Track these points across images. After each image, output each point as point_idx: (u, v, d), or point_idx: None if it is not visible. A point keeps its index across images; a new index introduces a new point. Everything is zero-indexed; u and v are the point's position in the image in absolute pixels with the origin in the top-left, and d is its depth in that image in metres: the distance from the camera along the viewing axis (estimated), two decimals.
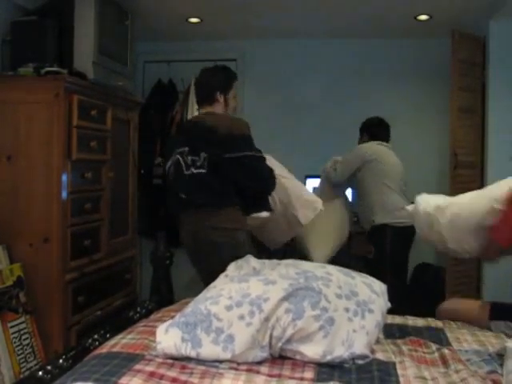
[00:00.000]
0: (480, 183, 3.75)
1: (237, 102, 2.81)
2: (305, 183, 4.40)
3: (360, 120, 3.71)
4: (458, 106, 3.60)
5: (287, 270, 1.69)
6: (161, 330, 1.54)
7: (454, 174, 3.59)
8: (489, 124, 3.72)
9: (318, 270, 1.70)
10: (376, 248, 3.43)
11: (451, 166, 3.59)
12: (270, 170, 2.64)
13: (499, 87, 3.68)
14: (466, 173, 3.68)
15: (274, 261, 1.89)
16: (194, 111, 4.38)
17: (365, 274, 1.80)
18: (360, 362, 1.53)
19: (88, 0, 3.04)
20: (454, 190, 3.55)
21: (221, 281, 1.79)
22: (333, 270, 1.74)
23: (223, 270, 1.93)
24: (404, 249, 3.38)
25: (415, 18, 3.86)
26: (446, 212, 2.19)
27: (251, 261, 1.91)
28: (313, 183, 4.41)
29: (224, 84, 2.71)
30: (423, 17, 3.85)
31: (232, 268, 1.90)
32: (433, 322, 1.99)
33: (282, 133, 4.54)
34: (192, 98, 4.41)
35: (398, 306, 2.06)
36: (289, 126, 4.54)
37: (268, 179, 2.62)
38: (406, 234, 3.17)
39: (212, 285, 1.76)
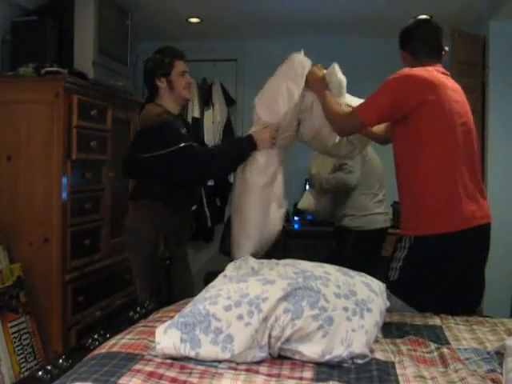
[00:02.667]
0: None
1: (188, 78, 2.56)
2: (305, 187, 4.41)
3: None
4: None
5: (286, 270, 1.69)
6: (160, 330, 1.55)
7: None
8: (489, 124, 3.72)
9: (316, 270, 1.70)
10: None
11: None
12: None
13: (499, 87, 3.68)
14: None
15: (273, 260, 1.89)
16: (194, 111, 4.39)
17: (363, 273, 1.80)
18: (359, 361, 1.53)
19: (88, 0, 3.05)
20: None
21: (219, 281, 1.80)
22: (331, 269, 1.75)
23: None
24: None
25: (415, 18, 3.86)
26: None
27: (250, 261, 1.91)
28: None
29: (161, 66, 2.51)
30: (423, 17, 3.84)
31: (231, 268, 1.90)
32: (430, 319, 1.99)
33: None
34: (192, 99, 4.42)
35: None
36: None
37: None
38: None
39: (210, 285, 1.76)
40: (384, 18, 3.91)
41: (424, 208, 2.10)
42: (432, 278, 2.12)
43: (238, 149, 2.39)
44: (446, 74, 2.21)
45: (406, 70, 2.18)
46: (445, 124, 2.08)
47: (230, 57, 4.60)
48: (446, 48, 2.30)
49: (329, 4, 3.68)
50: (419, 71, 2.14)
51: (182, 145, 2.33)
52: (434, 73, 2.15)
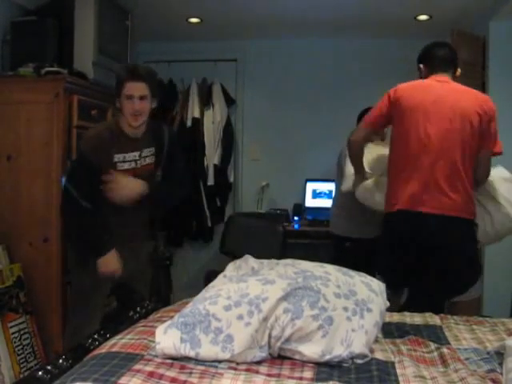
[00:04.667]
0: None
1: (135, 106, 2.33)
2: (305, 187, 4.40)
3: None
4: None
5: (286, 270, 1.69)
6: (160, 330, 1.55)
7: None
8: None
9: (316, 270, 1.70)
10: None
11: None
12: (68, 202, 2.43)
13: (499, 87, 3.67)
14: None
15: (273, 260, 1.89)
16: (194, 111, 4.38)
17: (363, 273, 1.81)
18: (359, 361, 1.53)
19: (88, 0, 3.05)
20: None
21: (219, 281, 1.80)
22: (331, 269, 1.75)
23: None
24: None
25: (415, 18, 3.87)
26: None
27: (250, 261, 1.91)
28: (313, 187, 4.40)
29: (116, 86, 2.38)
30: (423, 17, 3.85)
31: (230, 268, 1.90)
32: (430, 319, 1.99)
33: (282, 134, 4.54)
34: (192, 98, 4.42)
35: None
36: (289, 127, 4.54)
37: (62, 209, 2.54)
38: None
39: (211, 285, 1.76)
40: (384, 18, 3.91)
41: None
42: (387, 255, 2.55)
43: (88, 242, 2.44)
44: (444, 82, 2.55)
45: (398, 86, 2.58)
46: (400, 123, 2.50)
47: (230, 57, 4.60)
48: (460, 70, 2.68)
49: (329, 4, 3.67)
50: (404, 85, 2.57)
51: (67, 181, 2.42)
52: (422, 82, 2.61)
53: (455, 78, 2.62)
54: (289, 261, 1.85)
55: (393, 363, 1.52)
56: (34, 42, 3.00)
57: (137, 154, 2.44)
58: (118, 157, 2.38)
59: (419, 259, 2.44)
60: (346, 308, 1.58)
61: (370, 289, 1.69)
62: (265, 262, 1.90)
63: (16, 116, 2.89)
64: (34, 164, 2.86)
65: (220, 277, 1.85)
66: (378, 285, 1.76)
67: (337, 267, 1.79)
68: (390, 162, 2.57)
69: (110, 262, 2.43)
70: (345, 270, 1.78)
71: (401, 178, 2.45)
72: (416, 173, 2.40)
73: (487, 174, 2.58)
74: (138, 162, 2.46)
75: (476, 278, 2.57)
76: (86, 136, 2.44)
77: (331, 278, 1.66)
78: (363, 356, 1.55)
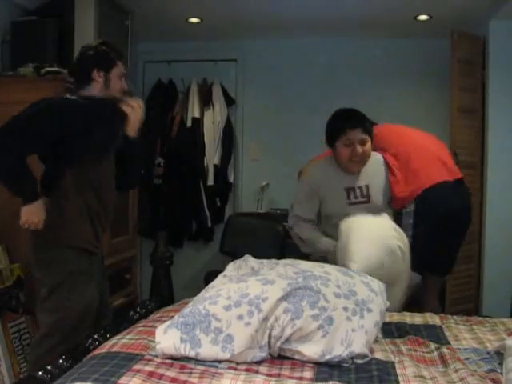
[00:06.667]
0: (480, 183, 3.76)
1: (124, 84, 2.35)
2: None
3: None
4: (458, 106, 3.60)
5: (286, 270, 1.69)
6: (160, 330, 1.55)
7: None
8: (489, 124, 3.71)
9: (316, 270, 1.70)
10: None
11: None
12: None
13: (499, 87, 3.68)
14: (466, 173, 3.67)
15: (273, 260, 1.89)
16: (194, 111, 4.38)
17: (363, 273, 1.81)
18: (359, 361, 1.53)
19: (88, 0, 3.05)
20: None
21: (219, 281, 1.80)
22: (331, 269, 1.75)
23: None
24: None
25: (415, 18, 3.87)
26: None
27: (250, 261, 1.91)
28: None
29: (104, 59, 2.29)
30: (423, 17, 3.85)
31: (230, 268, 1.90)
32: (430, 319, 2.00)
33: (282, 134, 4.54)
34: (192, 98, 4.42)
35: None
36: (289, 127, 4.53)
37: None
38: None
39: (210, 285, 1.77)
40: (384, 18, 3.91)
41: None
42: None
43: (20, 184, 2.25)
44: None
45: None
46: None
47: (230, 57, 4.60)
48: None
49: (329, 4, 3.67)
50: None
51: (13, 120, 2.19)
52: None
53: None
54: (289, 261, 1.85)
55: (393, 363, 1.52)
56: (34, 42, 3.00)
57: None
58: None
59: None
60: (346, 308, 1.58)
61: (369, 289, 1.69)
62: (265, 261, 1.90)
63: None
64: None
65: (220, 277, 1.85)
66: (378, 285, 1.76)
67: (337, 267, 1.79)
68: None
69: (36, 212, 2.24)
70: (345, 270, 1.78)
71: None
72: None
73: None
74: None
75: None
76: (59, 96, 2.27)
77: (331, 278, 1.66)
78: (363, 356, 1.55)
